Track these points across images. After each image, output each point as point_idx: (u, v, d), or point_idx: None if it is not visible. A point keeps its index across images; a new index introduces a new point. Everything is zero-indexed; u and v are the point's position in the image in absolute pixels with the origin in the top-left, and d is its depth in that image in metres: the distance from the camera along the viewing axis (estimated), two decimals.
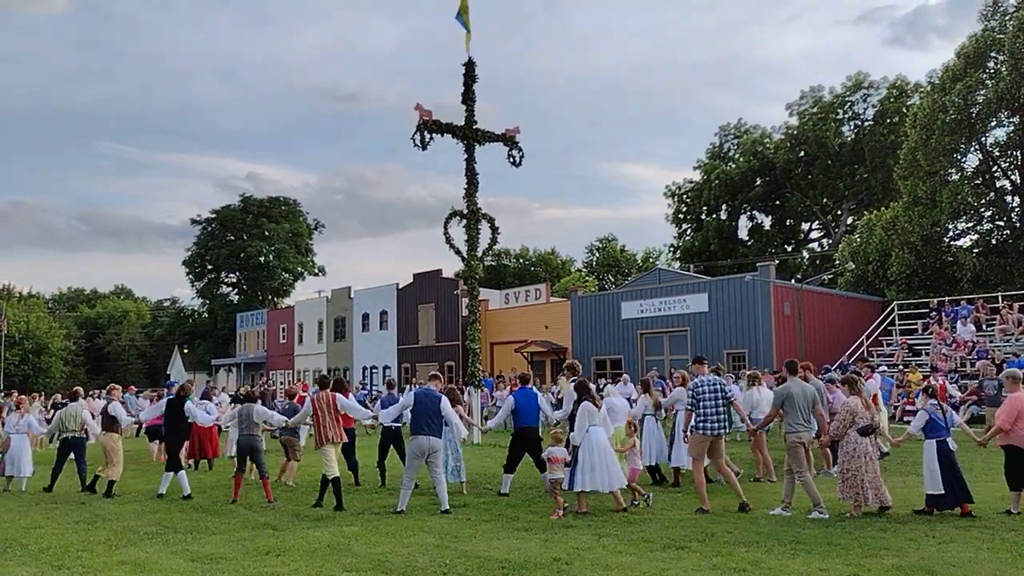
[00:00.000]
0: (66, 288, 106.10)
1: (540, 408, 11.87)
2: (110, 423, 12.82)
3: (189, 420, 12.75)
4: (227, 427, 15.08)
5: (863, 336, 29.88)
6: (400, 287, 45.70)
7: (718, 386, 10.22)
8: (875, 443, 10.55)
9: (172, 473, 12.20)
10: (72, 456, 13.51)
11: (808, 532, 8.54)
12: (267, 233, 70.43)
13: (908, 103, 44.52)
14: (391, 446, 13.17)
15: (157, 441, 17.43)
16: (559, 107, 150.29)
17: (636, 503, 10.53)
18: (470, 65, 20.80)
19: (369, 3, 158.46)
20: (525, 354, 36.32)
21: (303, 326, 53.71)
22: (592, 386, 10.92)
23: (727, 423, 10.40)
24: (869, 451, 9.59)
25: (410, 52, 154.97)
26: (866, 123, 48.56)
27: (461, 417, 11.74)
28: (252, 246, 69.43)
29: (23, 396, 16.54)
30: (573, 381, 11.10)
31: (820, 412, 10.01)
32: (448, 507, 10.23)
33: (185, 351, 72.09)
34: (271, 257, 71.47)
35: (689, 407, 10.34)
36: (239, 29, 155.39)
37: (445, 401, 10.62)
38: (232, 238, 70.60)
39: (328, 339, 51.07)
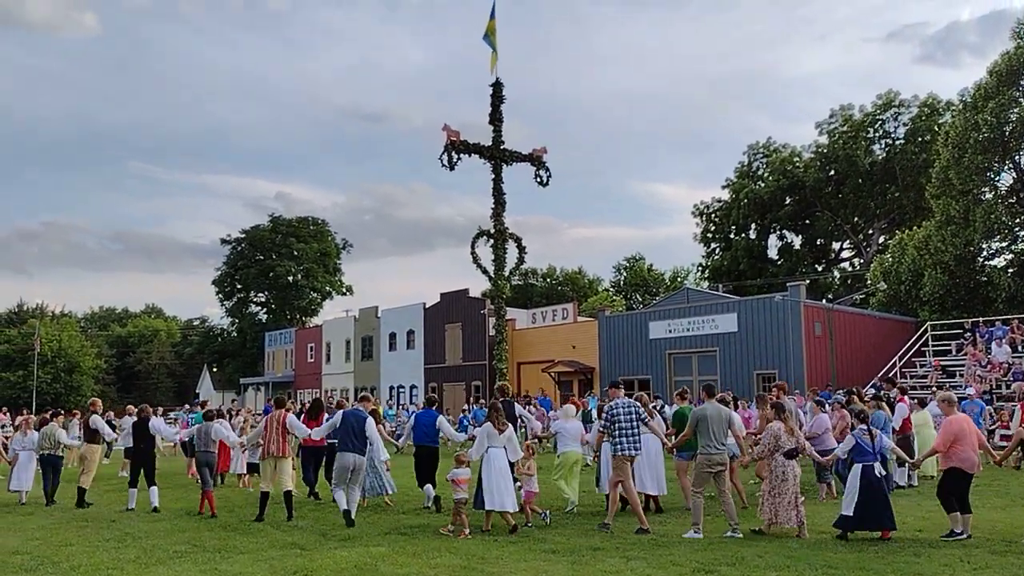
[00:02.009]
0: (98, 307, 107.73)
1: (439, 430, 12.58)
2: (92, 435, 13.95)
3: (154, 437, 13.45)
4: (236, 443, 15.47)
5: (895, 357, 29.47)
6: (427, 306, 45.81)
7: (632, 409, 10.54)
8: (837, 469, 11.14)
9: (135, 490, 13.05)
10: (52, 472, 14.31)
11: (839, 556, 8.40)
12: (296, 253, 71.00)
13: (940, 121, 44.07)
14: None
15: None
16: (585, 126, 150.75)
17: (529, 525, 10.77)
18: (497, 86, 20.86)
19: (394, 25, 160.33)
20: (552, 374, 36.21)
21: (331, 345, 53.96)
22: (501, 408, 11.14)
23: (640, 444, 10.64)
24: (798, 473, 9.93)
25: (435, 73, 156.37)
26: (897, 141, 48.12)
27: (383, 436, 12.93)
28: (281, 265, 70.03)
29: (30, 416, 17.54)
30: (491, 401, 11.68)
31: (736, 433, 10.44)
32: (352, 516, 10.95)
33: (214, 370, 72.68)
34: (299, 276, 71.99)
35: (602, 429, 10.71)
36: (267, 51, 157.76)
37: (371, 421, 11.45)
38: (261, 258, 71.27)
39: (355, 358, 51.26)
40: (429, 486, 12.55)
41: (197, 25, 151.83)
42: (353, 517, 11.01)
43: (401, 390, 46.09)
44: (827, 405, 14.79)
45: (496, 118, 21.41)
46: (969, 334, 28.57)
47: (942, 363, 28.27)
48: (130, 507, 12.94)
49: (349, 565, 8.31)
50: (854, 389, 18.30)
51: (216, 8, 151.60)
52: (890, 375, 27.92)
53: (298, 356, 57.45)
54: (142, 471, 13.12)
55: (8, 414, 29.74)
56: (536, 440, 13.14)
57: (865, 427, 9.79)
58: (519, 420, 13.20)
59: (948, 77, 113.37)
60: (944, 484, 9.56)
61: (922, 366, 29.27)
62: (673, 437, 11.93)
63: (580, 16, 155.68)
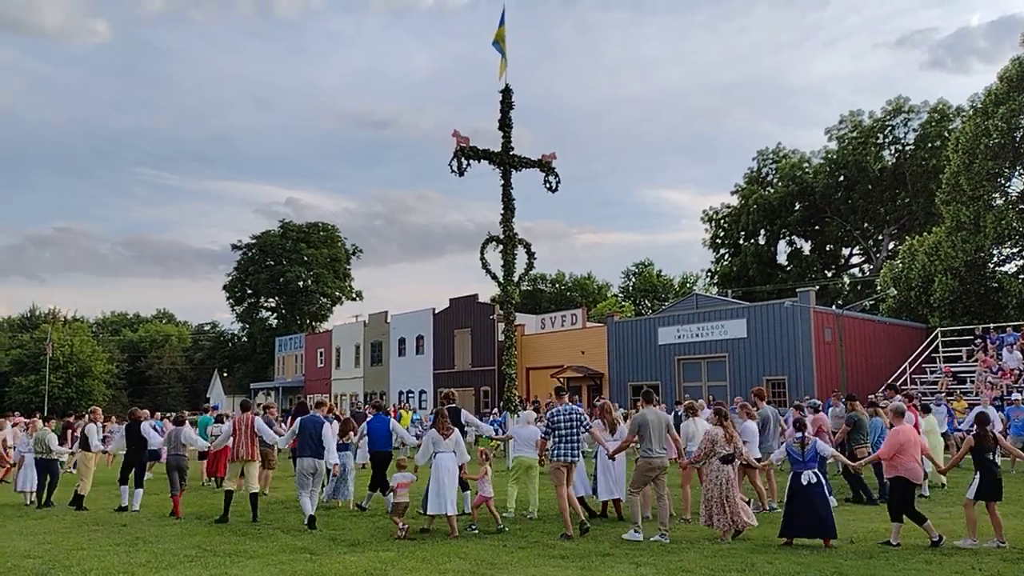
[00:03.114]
0: (110, 312, 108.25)
1: (393, 433, 13.14)
2: (85, 443, 14.36)
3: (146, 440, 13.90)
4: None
5: (906, 363, 29.36)
6: (436, 312, 45.88)
7: (574, 415, 10.58)
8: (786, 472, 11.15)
9: (125, 487, 13.56)
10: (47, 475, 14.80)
11: (850, 564, 8.38)
12: (306, 258, 71.17)
13: (950, 127, 43.97)
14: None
15: (204, 461, 18.12)
16: (594, 132, 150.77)
17: (474, 528, 10.92)
18: (507, 92, 20.93)
19: (403, 31, 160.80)
20: (561, 379, 36.20)
21: (340, 350, 54.08)
22: (447, 415, 11.38)
23: (580, 452, 10.76)
24: (731, 478, 10.01)
25: (443, 79, 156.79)
26: (907, 147, 47.99)
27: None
28: (291, 271, 70.21)
29: (33, 419, 18.07)
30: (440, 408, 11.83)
31: (675, 437, 10.71)
32: (313, 518, 11.29)
33: (225, 375, 72.89)
34: (310, 282, 72.16)
35: (544, 436, 10.91)
36: (275, 58, 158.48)
37: (326, 427, 11.86)
38: (272, 263, 71.48)
39: (365, 363, 51.36)
40: (391, 494, 12.09)
41: (207, 32, 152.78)
42: (313, 516, 11.37)
43: (410, 395, 46.14)
44: (804, 410, 14.83)
45: (506, 124, 21.46)
46: (980, 340, 28.45)
47: (952, 369, 28.15)
48: (123, 505, 13.45)
49: (359, 570, 8.33)
50: (853, 395, 18.33)
51: (226, 16, 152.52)
52: (900, 381, 27.84)
53: (308, 361, 57.59)
54: (132, 471, 13.67)
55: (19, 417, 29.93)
56: (492, 446, 13.37)
57: (799, 435, 9.97)
58: (464, 426, 13.30)
59: (958, 83, 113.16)
60: (891, 493, 9.70)
61: (932, 372, 29.16)
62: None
63: (588, 23, 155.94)
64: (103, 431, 19.52)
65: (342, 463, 13.08)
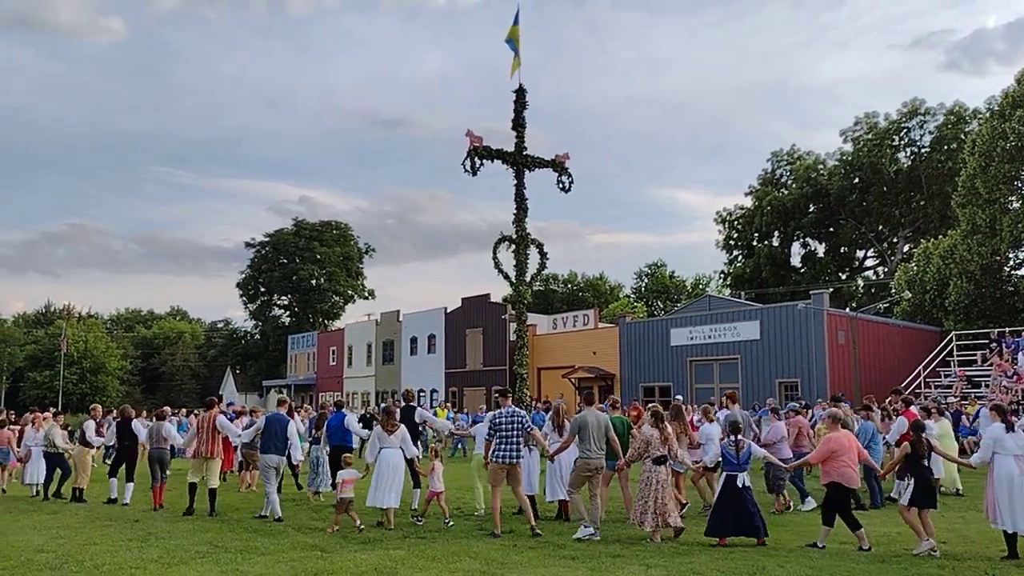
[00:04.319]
0: (124, 309, 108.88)
1: (350, 430, 13.53)
2: (83, 439, 14.93)
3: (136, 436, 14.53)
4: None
5: (920, 367, 29.19)
6: (448, 311, 45.94)
7: (516, 418, 10.79)
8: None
9: (114, 480, 14.11)
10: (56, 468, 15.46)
11: (862, 567, 8.34)
12: (319, 256, 71.38)
13: (966, 129, 43.68)
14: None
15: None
16: (606, 133, 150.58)
17: (418, 520, 11.49)
18: (520, 92, 20.90)
19: (415, 31, 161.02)
20: (572, 380, 36.18)
21: (352, 349, 54.23)
22: (396, 412, 12.03)
23: (520, 453, 10.89)
24: (663, 479, 10.13)
25: (455, 79, 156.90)
26: (923, 150, 47.74)
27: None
28: (304, 269, 70.44)
29: (40, 414, 18.70)
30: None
31: (613, 438, 10.75)
32: (279, 515, 11.74)
33: (237, 372, 73.24)
34: (322, 280, 72.36)
35: (488, 437, 11.03)
36: (289, 58, 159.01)
37: (291, 424, 12.49)
38: (285, 261, 71.72)
39: (377, 362, 51.48)
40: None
41: (221, 31, 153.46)
42: (279, 514, 11.83)
43: (422, 394, 46.23)
44: (781, 414, 14.78)
45: (519, 124, 21.44)
46: (995, 344, 28.26)
47: (967, 373, 27.97)
48: (111, 497, 13.97)
49: (369, 568, 8.34)
50: (838, 396, 18.28)
51: (239, 15, 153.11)
52: (914, 385, 27.69)
53: (320, 359, 57.79)
54: (124, 465, 14.26)
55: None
56: (439, 443, 13.89)
57: (734, 438, 10.05)
58: (419, 425, 13.70)
59: (973, 85, 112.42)
60: (825, 498, 9.77)
61: (947, 376, 28.97)
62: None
63: (599, 23, 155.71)
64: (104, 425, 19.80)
65: (315, 456, 14.28)
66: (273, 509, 11.87)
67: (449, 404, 34.55)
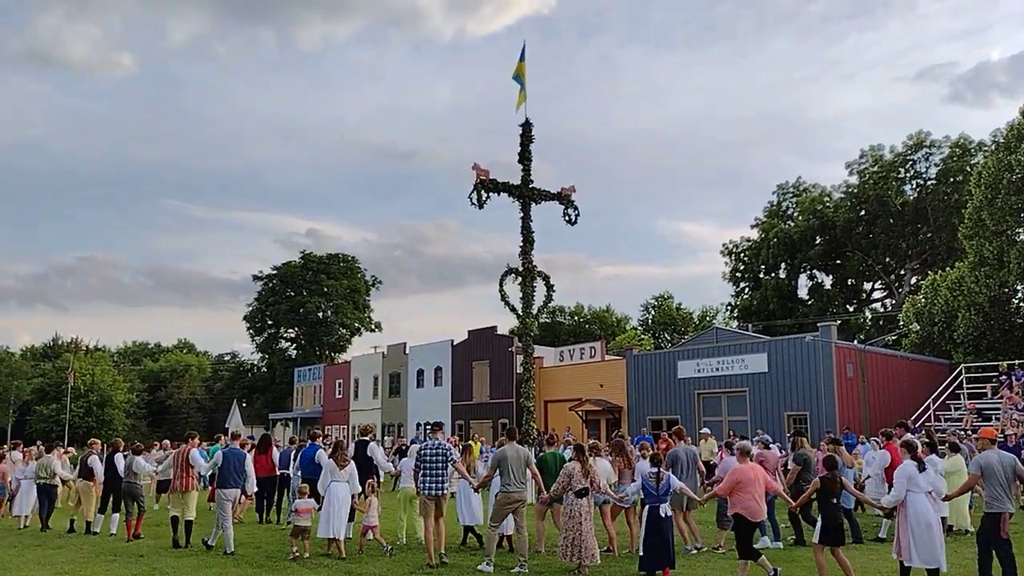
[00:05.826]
0: (131, 342, 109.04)
1: (319, 464, 13.47)
2: (88, 473, 14.97)
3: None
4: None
5: (929, 399, 28.98)
6: (455, 343, 45.85)
7: (440, 451, 10.99)
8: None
9: (102, 515, 14.58)
10: (47, 500, 15.74)
11: None
12: (326, 289, 71.51)
13: (972, 162, 43.79)
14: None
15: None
16: (613, 165, 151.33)
17: (357, 552, 11.88)
18: (527, 126, 20.99)
19: (423, 65, 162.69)
20: (579, 412, 35.99)
21: (359, 381, 54.09)
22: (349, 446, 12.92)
23: (446, 485, 11.06)
24: (585, 512, 10.18)
25: (463, 112, 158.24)
26: (929, 182, 47.82)
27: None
28: (311, 302, 70.54)
29: (29, 448, 18.97)
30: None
31: (535, 472, 11.20)
32: (231, 549, 11.91)
33: (244, 405, 73.09)
34: (329, 313, 72.44)
35: (415, 469, 11.35)
36: (298, 91, 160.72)
37: (248, 458, 13.04)
38: (292, 294, 71.87)
39: (383, 395, 51.32)
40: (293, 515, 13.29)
41: (230, 65, 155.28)
42: (231, 548, 12.00)
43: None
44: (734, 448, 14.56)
45: (525, 157, 21.52)
46: (1005, 377, 28.08)
47: (977, 406, 27.76)
48: (94, 530, 14.44)
49: None
50: (801, 431, 18.01)
51: (249, 49, 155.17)
52: (924, 418, 27.48)
53: (326, 392, 57.62)
54: (111, 498, 14.58)
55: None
56: (377, 480, 13.94)
57: (655, 470, 10.17)
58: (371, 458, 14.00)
59: (978, 117, 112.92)
60: (735, 531, 9.77)
61: (957, 409, 28.76)
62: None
63: (607, 56, 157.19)
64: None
65: (294, 486, 14.47)
66: (227, 542, 11.98)
67: (482, 439, 33.93)
